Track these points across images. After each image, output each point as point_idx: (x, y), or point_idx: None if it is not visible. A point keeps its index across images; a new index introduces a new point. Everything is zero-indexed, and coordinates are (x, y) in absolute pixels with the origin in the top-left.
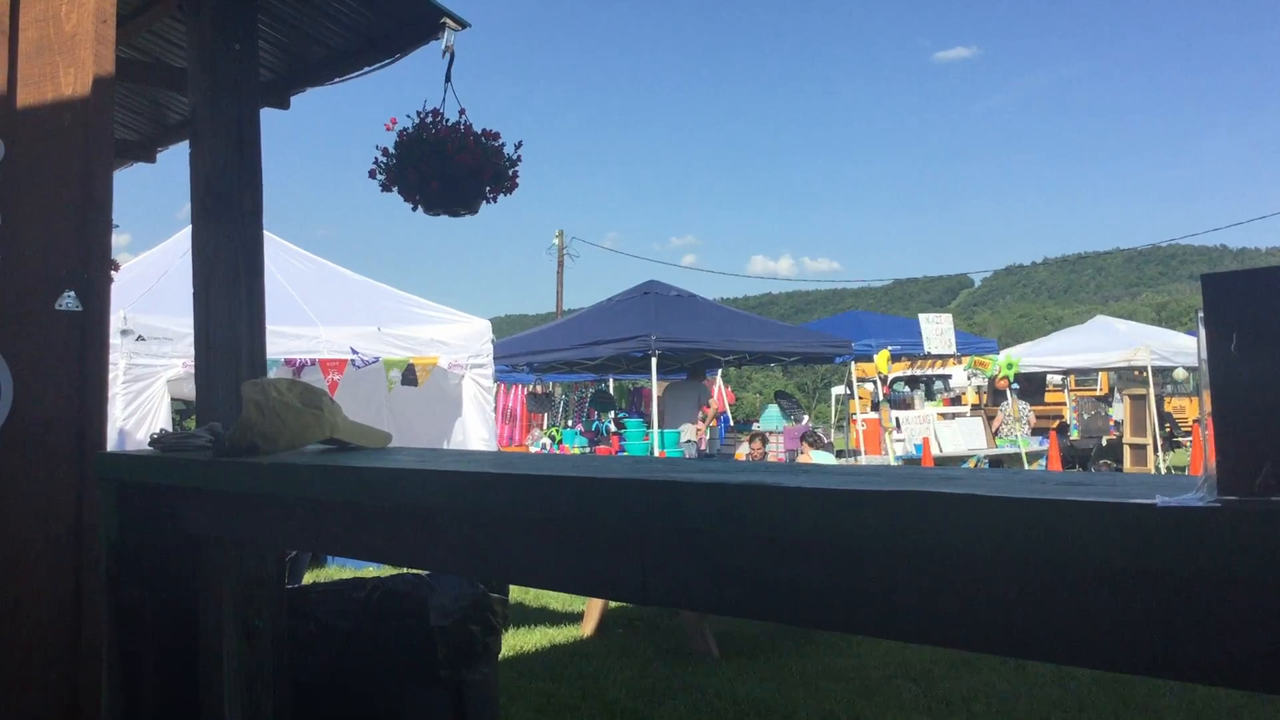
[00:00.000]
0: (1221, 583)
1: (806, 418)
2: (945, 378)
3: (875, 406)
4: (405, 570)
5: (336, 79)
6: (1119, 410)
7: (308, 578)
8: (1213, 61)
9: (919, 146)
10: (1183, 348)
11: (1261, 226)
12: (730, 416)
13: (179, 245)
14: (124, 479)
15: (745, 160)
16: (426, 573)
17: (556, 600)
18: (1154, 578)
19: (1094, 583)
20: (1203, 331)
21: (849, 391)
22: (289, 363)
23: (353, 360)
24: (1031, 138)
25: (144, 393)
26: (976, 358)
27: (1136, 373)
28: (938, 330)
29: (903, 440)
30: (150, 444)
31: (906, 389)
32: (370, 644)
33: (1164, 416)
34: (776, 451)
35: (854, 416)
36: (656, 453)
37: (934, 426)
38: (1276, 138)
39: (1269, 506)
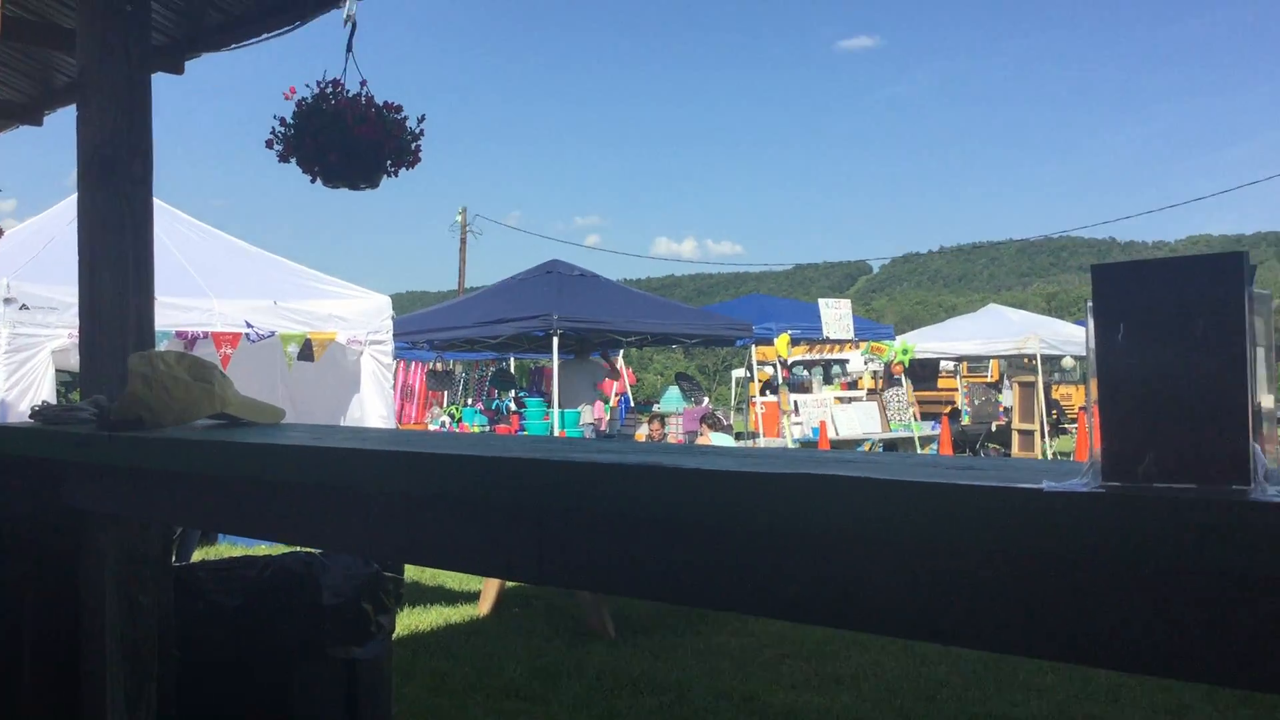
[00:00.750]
0: (1104, 566)
1: (706, 400)
2: (843, 362)
3: (774, 389)
4: (298, 548)
5: (233, 45)
6: (1009, 397)
7: (197, 555)
8: (1103, 58)
9: (821, 133)
10: (1071, 337)
11: (1148, 221)
12: (631, 397)
13: (66, 211)
14: (3, 452)
15: (650, 142)
16: (319, 551)
17: (453, 579)
18: (1040, 560)
19: (982, 564)
20: (1091, 322)
21: (749, 374)
22: (180, 335)
23: (247, 334)
24: (930, 128)
25: (27, 363)
26: (873, 343)
27: (1026, 360)
28: (836, 315)
29: (800, 423)
30: (31, 416)
31: (805, 373)
32: (260, 622)
33: (1051, 403)
34: (676, 433)
35: (753, 399)
36: (557, 433)
37: (831, 410)
38: (1163, 135)
39: (1151, 493)
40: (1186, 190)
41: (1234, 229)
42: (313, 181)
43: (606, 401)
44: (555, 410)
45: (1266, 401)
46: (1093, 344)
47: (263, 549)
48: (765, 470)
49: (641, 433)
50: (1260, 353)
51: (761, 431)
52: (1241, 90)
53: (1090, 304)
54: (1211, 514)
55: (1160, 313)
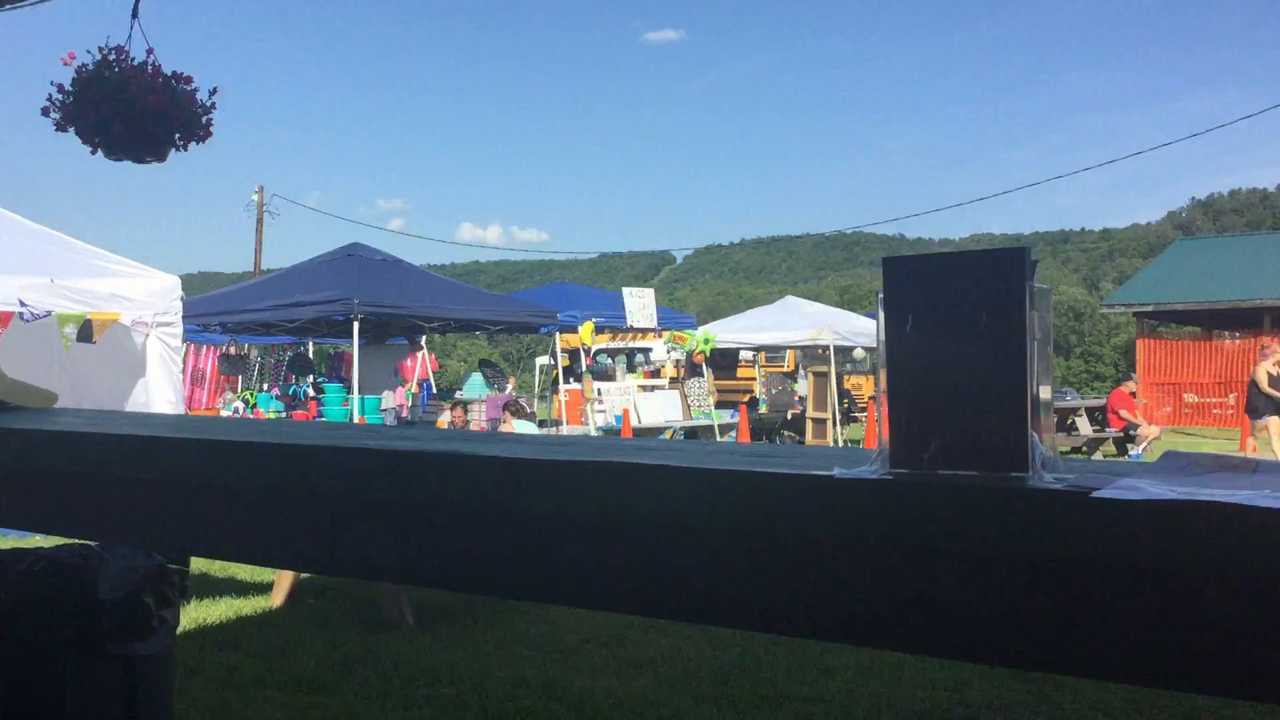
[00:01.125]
0: (892, 550)
1: (510, 387)
2: (646, 351)
3: (578, 377)
4: (73, 540)
5: (8, 6)
6: (803, 386)
7: None
8: (893, 63)
9: (628, 124)
10: (862, 329)
11: (935, 219)
12: (433, 384)
13: None
14: None
15: (456, 128)
16: (97, 543)
17: (244, 570)
18: (831, 545)
19: (777, 550)
20: (881, 312)
21: (553, 362)
22: None
23: (20, 313)
24: (732, 123)
25: None
26: (676, 332)
27: (820, 351)
28: (640, 304)
29: (604, 411)
30: None
31: (609, 361)
32: (29, 619)
33: (843, 393)
34: (479, 420)
35: (557, 387)
36: (357, 419)
37: (634, 398)
38: (947, 138)
39: (936, 480)
40: (970, 190)
41: (1013, 228)
42: (94, 153)
43: (408, 388)
44: (355, 396)
45: (1044, 393)
46: (882, 334)
47: (36, 541)
48: (567, 458)
49: (444, 420)
50: (1039, 345)
51: (565, 419)
52: (1021, 95)
53: (881, 295)
54: (991, 500)
55: (946, 305)
